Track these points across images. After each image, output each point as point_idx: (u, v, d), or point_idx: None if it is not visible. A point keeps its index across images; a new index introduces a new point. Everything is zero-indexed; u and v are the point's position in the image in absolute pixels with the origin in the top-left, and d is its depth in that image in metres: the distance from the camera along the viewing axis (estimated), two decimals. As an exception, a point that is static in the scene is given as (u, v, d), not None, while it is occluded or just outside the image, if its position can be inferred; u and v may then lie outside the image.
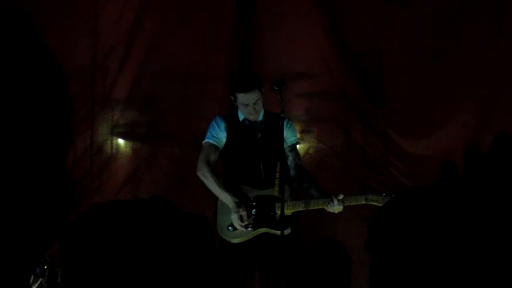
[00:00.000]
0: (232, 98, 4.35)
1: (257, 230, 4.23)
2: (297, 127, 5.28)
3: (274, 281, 4.06)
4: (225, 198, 4.24)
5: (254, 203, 4.26)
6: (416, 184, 5.33)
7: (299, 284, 4.19)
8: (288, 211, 4.18)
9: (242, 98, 4.27)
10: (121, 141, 5.61)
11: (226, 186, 4.28)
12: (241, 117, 4.42)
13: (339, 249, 2.62)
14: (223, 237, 4.26)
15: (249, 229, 4.21)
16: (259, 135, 4.39)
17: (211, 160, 4.33)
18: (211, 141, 4.37)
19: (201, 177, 4.32)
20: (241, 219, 4.17)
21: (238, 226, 4.19)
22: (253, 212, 4.24)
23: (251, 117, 4.36)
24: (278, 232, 3.97)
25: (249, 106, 4.29)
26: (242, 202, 4.21)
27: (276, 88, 4.14)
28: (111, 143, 5.57)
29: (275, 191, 4.25)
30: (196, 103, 5.62)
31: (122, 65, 5.62)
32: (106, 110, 5.58)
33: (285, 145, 4.39)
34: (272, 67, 5.54)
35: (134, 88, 5.61)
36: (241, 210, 4.17)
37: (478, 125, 5.57)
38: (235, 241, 4.24)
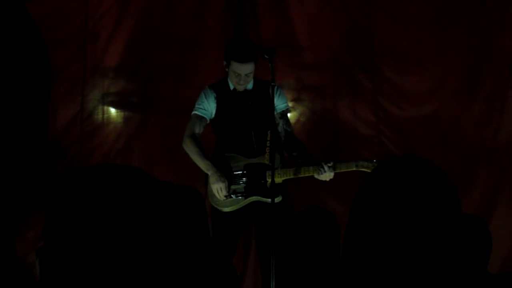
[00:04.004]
0: (225, 63, 4.34)
1: (248, 199, 4.26)
2: (288, 96, 5.26)
3: (268, 249, 4.09)
4: (206, 167, 4.25)
5: (245, 172, 4.28)
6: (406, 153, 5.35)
7: (291, 251, 4.22)
8: (278, 179, 4.20)
9: (236, 67, 4.26)
10: (112, 109, 5.59)
11: (207, 155, 4.30)
12: (231, 85, 4.41)
13: (328, 217, 2.65)
14: (214, 205, 4.28)
15: (240, 197, 4.24)
16: (250, 103, 4.38)
17: (196, 132, 4.34)
18: (198, 113, 4.37)
19: (185, 149, 4.35)
20: (220, 190, 4.19)
21: (219, 197, 4.21)
22: (244, 180, 4.26)
23: (238, 87, 4.35)
24: (269, 200, 4.01)
25: (240, 77, 4.27)
26: (233, 170, 4.24)
27: (266, 57, 4.13)
28: (102, 111, 5.55)
29: (265, 159, 4.27)
30: (189, 71, 5.57)
31: (114, 32, 5.56)
32: (97, 78, 5.54)
33: (275, 112, 4.39)
34: (265, 36, 5.52)
35: (126, 56, 5.55)
36: (220, 182, 4.18)
37: (471, 92, 5.59)
38: (227, 209, 4.27)
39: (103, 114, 5.55)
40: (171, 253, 2.68)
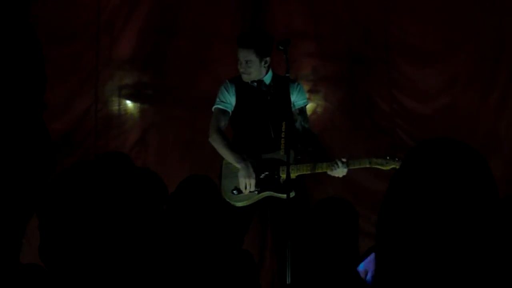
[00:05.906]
0: None
1: (261, 194, 4.23)
2: (305, 87, 5.22)
3: (284, 243, 4.08)
4: (236, 160, 4.23)
5: (259, 167, 4.26)
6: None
7: (307, 244, 4.21)
8: (292, 174, 4.16)
9: (238, 52, 4.28)
10: (127, 101, 5.57)
11: (237, 149, 4.29)
12: None
13: (346, 206, 2.62)
14: (227, 200, 4.26)
15: (254, 192, 4.22)
16: (268, 97, 4.36)
17: (221, 126, 4.33)
18: (220, 107, 4.35)
19: (213, 143, 4.33)
20: (249, 186, 4.18)
21: (244, 191, 4.19)
22: (259, 175, 4.24)
23: (243, 76, 4.34)
24: (283, 196, 4.00)
25: (242, 64, 4.28)
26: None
27: (281, 48, 4.12)
28: (118, 102, 5.54)
29: (280, 155, 4.25)
30: (205, 63, 5.54)
31: (127, 22, 5.53)
32: (111, 69, 5.52)
33: (293, 108, 4.37)
34: (281, 26, 5.49)
35: (140, 47, 5.52)
36: (251, 177, 4.17)
37: (486, 84, 5.55)
38: (239, 204, 4.25)
39: (119, 105, 5.53)
40: (188, 239, 2.69)
